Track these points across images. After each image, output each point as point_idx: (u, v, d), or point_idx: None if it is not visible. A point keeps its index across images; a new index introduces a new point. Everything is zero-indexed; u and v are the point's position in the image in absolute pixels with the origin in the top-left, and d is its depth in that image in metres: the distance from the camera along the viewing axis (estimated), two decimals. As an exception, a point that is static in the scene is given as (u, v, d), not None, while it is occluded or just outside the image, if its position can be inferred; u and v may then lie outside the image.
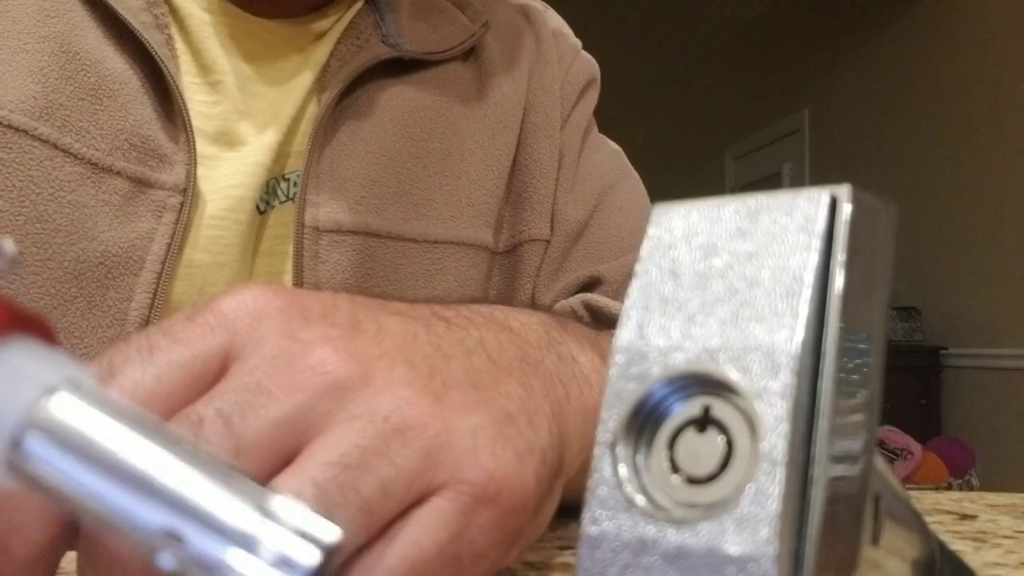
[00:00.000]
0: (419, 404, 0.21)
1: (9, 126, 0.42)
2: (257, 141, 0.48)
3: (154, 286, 0.44)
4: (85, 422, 0.12)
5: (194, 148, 0.45)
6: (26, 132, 0.43)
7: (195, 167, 0.45)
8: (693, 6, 4.34)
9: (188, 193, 0.45)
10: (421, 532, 0.21)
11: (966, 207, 3.00)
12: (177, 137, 0.46)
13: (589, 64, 0.63)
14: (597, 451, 0.17)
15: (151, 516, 0.11)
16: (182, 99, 0.45)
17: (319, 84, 0.50)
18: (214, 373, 0.21)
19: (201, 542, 0.11)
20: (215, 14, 0.49)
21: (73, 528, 0.21)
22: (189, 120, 0.45)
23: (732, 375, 0.16)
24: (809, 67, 4.07)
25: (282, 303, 0.23)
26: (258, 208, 0.48)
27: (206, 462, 0.12)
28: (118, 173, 0.44)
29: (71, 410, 0.12)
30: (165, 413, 0.20)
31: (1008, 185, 2.81)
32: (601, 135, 0.63)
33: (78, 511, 0.12)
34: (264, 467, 0.20)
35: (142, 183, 0.45)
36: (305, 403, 0.21)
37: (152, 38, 0.45)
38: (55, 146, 0.43)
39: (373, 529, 0.20)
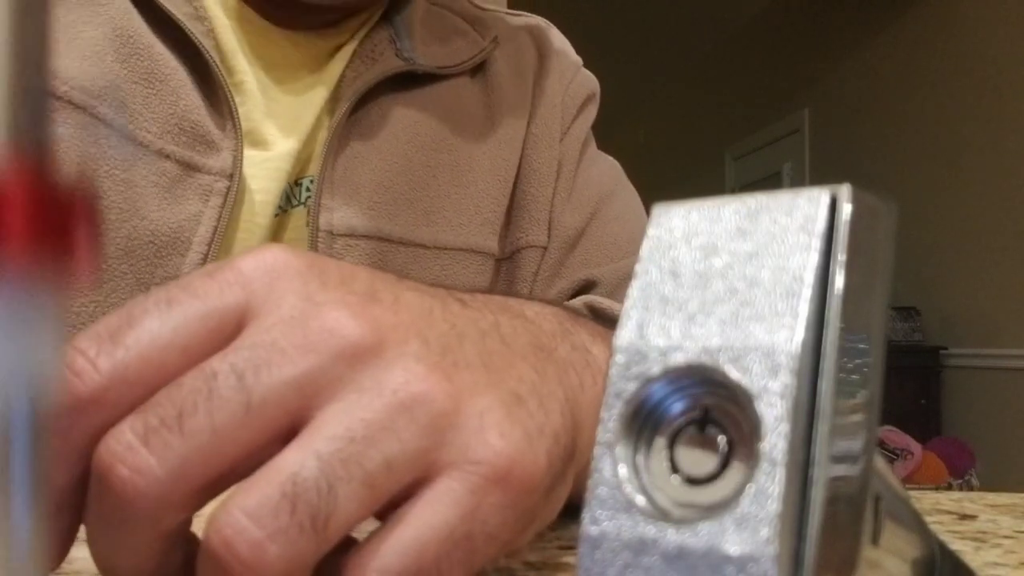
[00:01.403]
0: (429, 380, 0.21)
1: (69, 102, 0.44)
2: (280, 145, 0.49)
3: (200, 267, 0.46)
4: None
5: (240, 135, 0.47)
6: (85, 109, 0.44)
7: (241, 153, 0.47)
8: (693, 6, 4.34)
9: (234, 179, 0.46)
10: (432, 513, 0.21)
11: (966, 207, 3.00)
12: (223, 124, 0.47)
13: (589, 80, 0.65)
14: (597, 451, 0.17)
15: None
16: (227, 86, 0.47)
17: (335, 95, 0.52)
18: (231, 329, 0.22)
19: None
20: (237, 21, 0.50)
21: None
22: (235, 107, 0.47)
23: (732, 375, 0.16)
24: (809, 67, 4.07)
25: (301, 265, 0.23)
26: (274, 214, 0.50)
27: None
28: (168, 156, 0.46)
29: None
30: (181, 366, 0.21)
31: (1008, 185, 2.81)
32: (599, 151, 0.65)
33: None
34: (273, 425, 0.21)
35: (190, 167, 0.46)
36: (317, 365, 0.21)
37: (196, 28, 0.47)
38: (111, 126, 0.45)
39: (376, 504, 0.20)
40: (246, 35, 0.50)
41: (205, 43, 0.46)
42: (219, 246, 0.46)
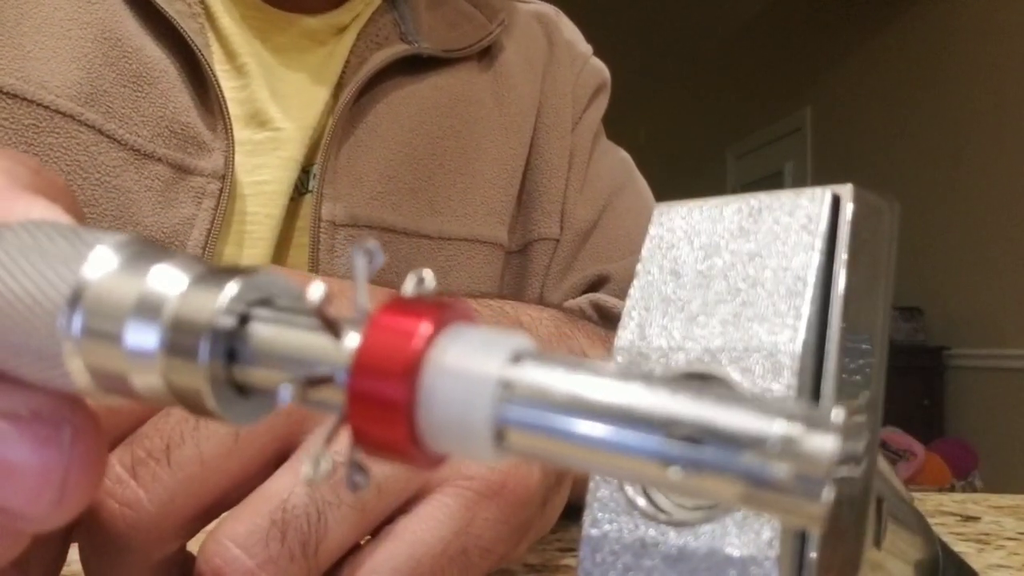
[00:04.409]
0: None
1: (56, 111, 0.43)
2: (288, 132, 0.49)
3: None
4: (559, 379, 0.11)
5: (232, 136, 0.46)
6: (73, 117, 0.43)
7: (233, 154, 0.46)
8: (694, 5, 4.34)
9: (226, 180, 0.46)
10: (425, 528, 0.20)
11: (969, 206, 3.00)
12: (215, 125, 0.46)
13: (600, 70, 0.64)
14: (598, 452, 0.17)
15: (646, 443, 0.11)
16: (219, 87, 0.46)
17: (340, 80, 0.51)
18: None
19: (712, 452, 0.11)
20: (239, 6, 0.49)
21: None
22: (226, 108, 0.46)
23: (734, 376, 0.16)
24: (811, 66, 4.07)
25: None
26: (286, 203, 0.49)
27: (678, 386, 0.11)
28: (159, 159, 0.45)
29: (541, 372, 0.12)
30: None
31: (1011, 184, 2.80)
32: (609, 141, 0.64)
33: (570, 462, 0.12)
34: (261, 453, 0.20)
35: (182, 169, 0.46)
36: None
37: (188, 27, 0.46)
38: (100, 132, 0.44)
39: (368, 526, 0.20)
40: (245, 18, 0.49)
41: (197, 41, 0.46)
42: (213, 248, 0.46)
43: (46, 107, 0.43)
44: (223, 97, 0.46)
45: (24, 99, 0.42)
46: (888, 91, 3.47)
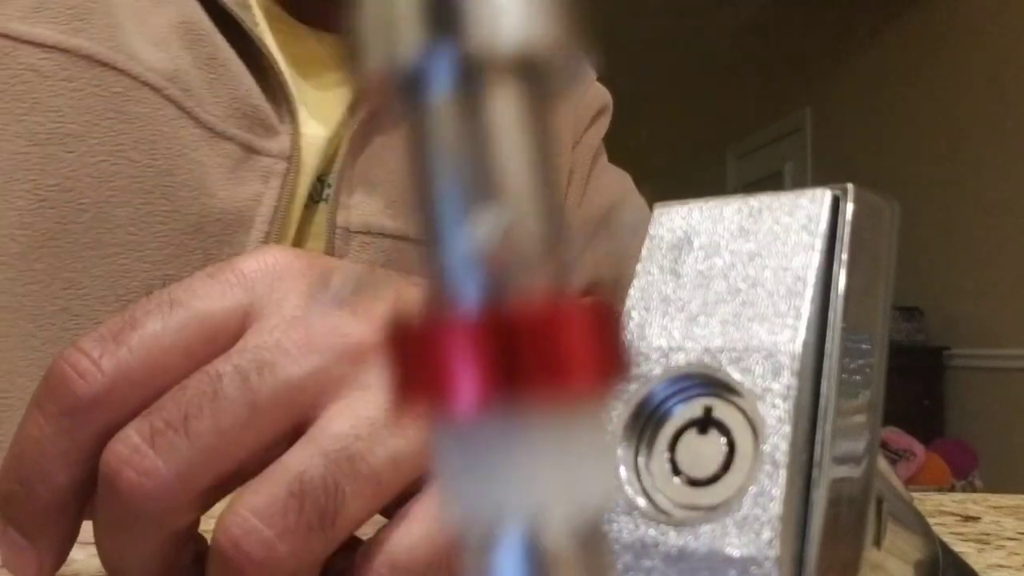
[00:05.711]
0: None
1: (145, 83, 0.45)
2: (309, 135, 0.51)
3: (263, 244, 0.48)
4: None
5: (296, 119, 0.48)
6: (159, 91, 0.45)
7: (299, 137, 0.48)
8: (694, 5, 4.34)
9: (293, 160, 0.48)
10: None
11: (969, 206, 3.00)
12: (279, 110, 0.49)
13: (602, 93, 0.66)
14: (598, 452, 0.17)
15: None
16: (280, 71, 0.48)
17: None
18: (232, 330, 0.22)
19: None
20: (269, 19, 0.51)
21: (93, 477, 0.21)
22: (290, 91, 0.48)
23: (734, 376, 0.16)
24: (811, 66, 4.07)
25: (303, 265, 0.23)
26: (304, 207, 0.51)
27: None
28: (231, 139, 0.47)
29: None
30: (184, 367, 0.21)
31: (1011, 184, 2.80)
32: (610, 163, 0.66)
33: None
34: (278, 425, 0.21)
35: (251, 149, 0.48)
36: (322, 365, 0.21)
37: (246, 17, 0.48)
38: (180, 108, 0.46)
39: (383, 500, 0.21)
40: (273, 29, 0.51)
41: (254, 33, 0.48)
42: (280, 224, 0.48)
43: (134, 78, 0.45)
44: (287, 84, 0.48)
45: (115, 68, 0.44)
46: (888, 91, 3.47)
